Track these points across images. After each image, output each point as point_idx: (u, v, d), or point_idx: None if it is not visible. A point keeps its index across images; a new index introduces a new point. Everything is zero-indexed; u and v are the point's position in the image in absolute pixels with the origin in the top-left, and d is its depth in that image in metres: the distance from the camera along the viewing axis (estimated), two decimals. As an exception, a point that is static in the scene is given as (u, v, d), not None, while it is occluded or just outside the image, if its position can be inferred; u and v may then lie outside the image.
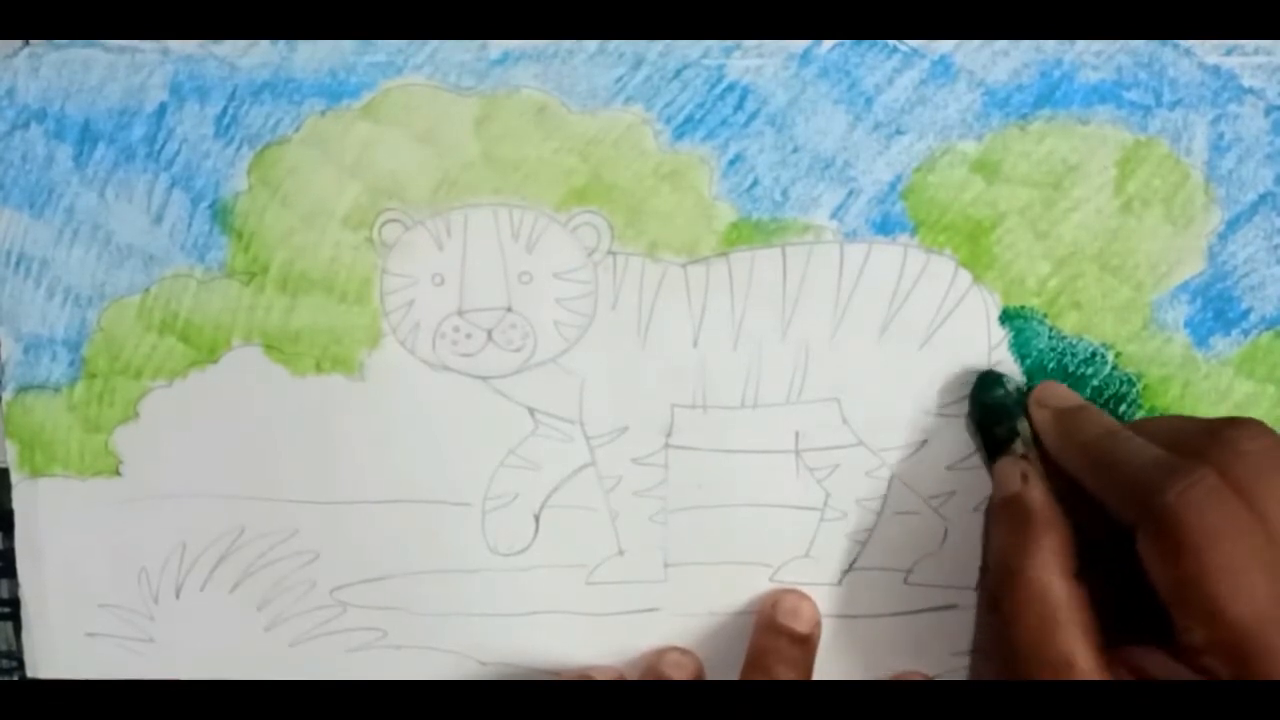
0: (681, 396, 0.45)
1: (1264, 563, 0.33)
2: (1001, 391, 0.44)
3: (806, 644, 0.45)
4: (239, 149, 0.43)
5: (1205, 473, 0.34)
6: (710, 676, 0.46)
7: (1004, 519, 0.39)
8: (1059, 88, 0.43)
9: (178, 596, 0.47)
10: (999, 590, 0.37)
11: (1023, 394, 0.44)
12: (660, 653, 0.46)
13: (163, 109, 0.43)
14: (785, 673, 0.43)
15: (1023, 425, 0.42)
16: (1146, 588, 0.35)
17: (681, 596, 0.47)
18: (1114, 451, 0.38)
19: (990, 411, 0.44)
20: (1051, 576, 0.36)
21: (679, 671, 0.45)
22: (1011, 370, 0.45)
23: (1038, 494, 0.39)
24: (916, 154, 0.44)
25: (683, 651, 0.46)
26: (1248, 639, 0.32)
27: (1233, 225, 0.44)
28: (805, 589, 0.46)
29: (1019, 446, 0.42)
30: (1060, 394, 0.43)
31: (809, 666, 0.45)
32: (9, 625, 0.48)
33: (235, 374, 0.45)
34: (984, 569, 0.44)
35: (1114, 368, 0.45)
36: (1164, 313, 0.45)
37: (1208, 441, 0.36)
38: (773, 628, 0.45)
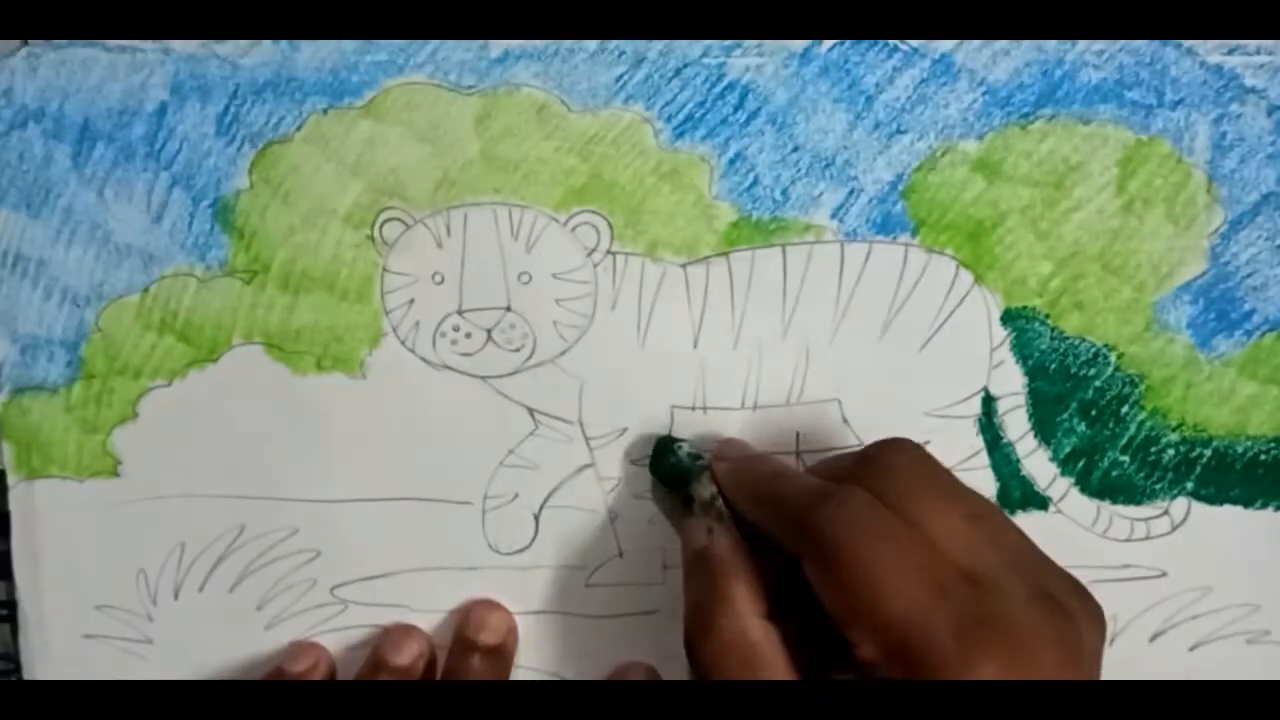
0: (681, 397, 0.45)
1: (915, 565, 0.33)
2: (674, 459, 0.44)
3: (498, 654, 0.45)
4: (240, 148, 0.43)
5: (853, 491, 0.35)
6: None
7: (694, 573, 0.40)
8: (1060, 87, 0.43)
9: (176, 597, 0.47)
10: (696, 641, 0.37)
11: (698, 456, 0.44)
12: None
13: (163, 108, 0.43)
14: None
15: (706, 483, 0.42)
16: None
17: (680, 599, 0.46)
18: (778, 489, 0.39)
19: (670, 479, 0.44)
20: (745, 621, 0.37)
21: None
22: (1013, 371, 0.45)
23: (723, 545, 0.39)
24: (917, 153, 0.44)
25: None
26: (909, 638, 0.32)
27: (1235, 225, 0.44)
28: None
29: (699, 505, 0.42)
30: (738, 447, 0.44)
31: (505, 673, 0.46)
32: (6, 628, 0.48)
33: (235, 373, 0.45)
34: None
35: (1116, 369, 0.45)
36: (1166, 313, 0.44)
37: (859, 464, 0.37)
38: (462, 643, 0.45)
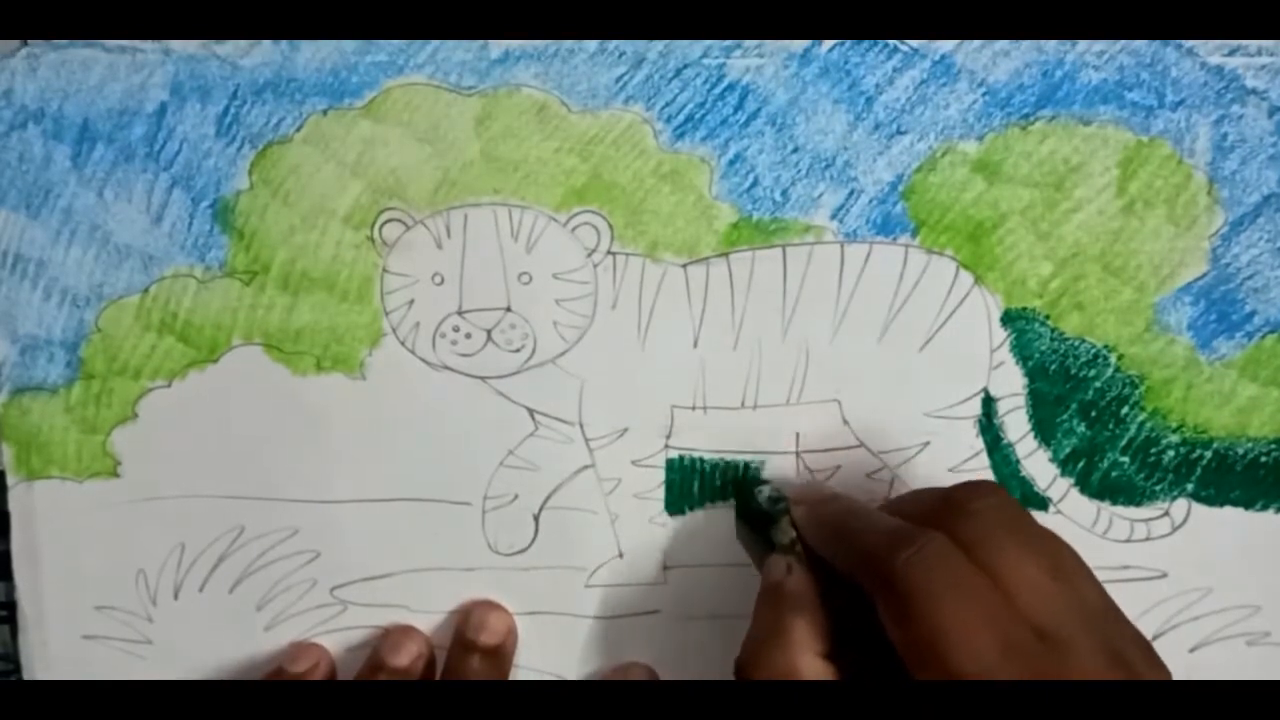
0: (681, 398, 0.45)
1: (990, 618, 0.33)
2: (754, 504, 0.44)
3: (498, 654, 0.45)
4: (240, 148, 0.43)
5: (933, 536, 0.35)
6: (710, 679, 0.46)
7: (763, 605, 0.39)
8: (1061, 88, 0.43)
9: (176, 597, 0.47)
10: (745, 669, 0.37)
11: (779, 499, 0.43)
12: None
13: (163, 109, 0.43)
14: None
15: (786, 525, 0.42)
16: None
17: (681, 599, 0.47)
18: (854, 528, 0.38)
19: (754, 517, 0.44)
20: (798, 657, 0.36)
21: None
22: (1013, 371, 0.45)
23: (797, 582, 0.39)
24: (917, 154, 0.43)
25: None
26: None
27: (1236, 227, 0.44)
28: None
29: (779, 548, 0.41)
30: (816, 490, 0.44)
31: (504, 674, 0.46)
32: (5, 628, 0.48)
33: (235, 374, 0.45)
34: None
35: (1116, 369, 0.45)
36: (1167, 315, 0.44)
37: (940, 506, 0.37)
38: (462, 643, 0.45)
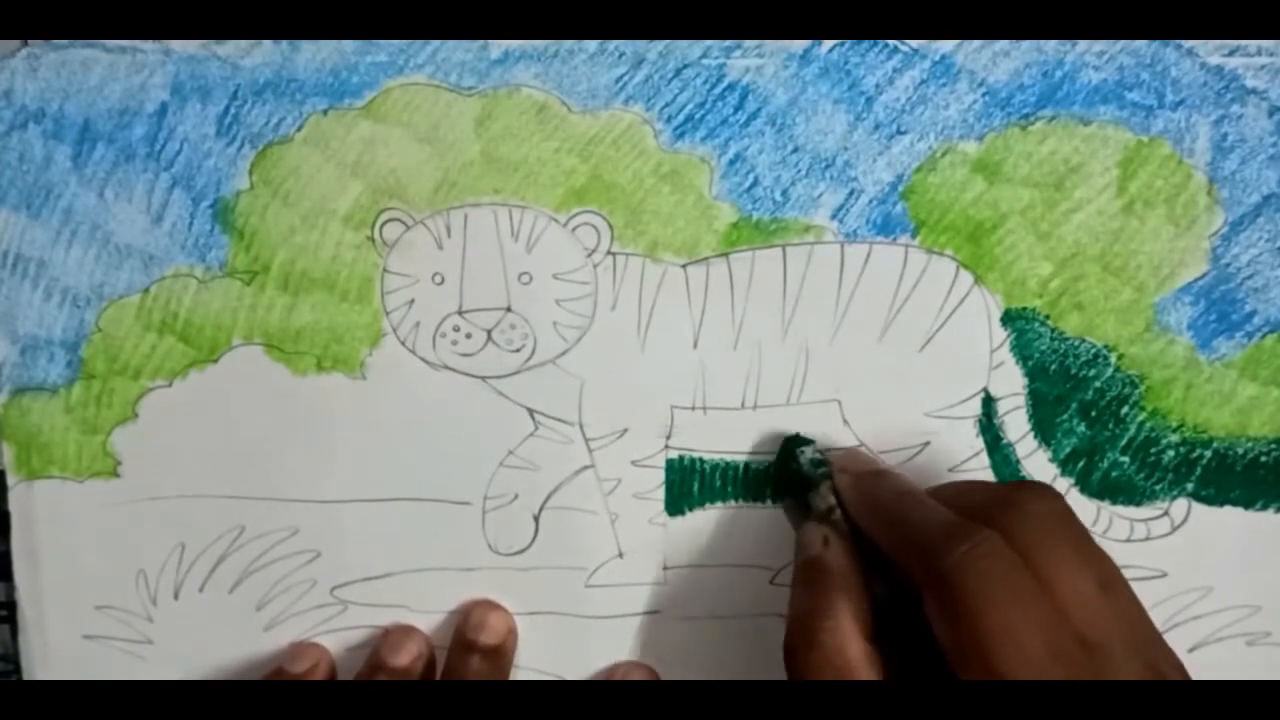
0: (681, 398, 0.45)
1: (1040, 624, 0.33)
2: (795, 465, 0.43)
3: (498, 654, 0.45)
4: (241, 148, 0.43)
5: (988, 535, 0.35)
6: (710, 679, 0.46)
7: (803, 580, 0.39)
8: (1061, 88, 0.43)
9: (176, 598, 0.47)
10: (798, 651, 0.37)
11: (823, 461, 0.43)
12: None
13: (164, 109, 0.43)
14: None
15: (826, 491, 0.42)
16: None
17: (681, 600, 0.47)
18: (906, 513, 0.38)
19: (790, 484, 0.44)
20: (846, 640, 0.36)
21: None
22: (1013, 371, 0.45)
23: (837, 557, 0.39)
24: (917, 154, 0.44)
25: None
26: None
27: (1236, 227, 0.44)
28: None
29: (815, 515, 0.41)
30: (861, 459, 0.44)
31: (504, 674, 0.46)
32: (5, 628, 0.48)
33: (235, 374, 0.45)
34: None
35: (1116, 369, 0.45)
36: (1167, 315, 0.44)
37: (996, 505, 0.36)
38: (462, 643, 0.45)
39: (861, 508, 0.40)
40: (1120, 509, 0.46)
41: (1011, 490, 0.38)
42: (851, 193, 0.44)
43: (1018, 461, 0.46)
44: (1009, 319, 0.45)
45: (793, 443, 0.45)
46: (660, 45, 0.43)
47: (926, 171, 0.44)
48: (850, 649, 0.36)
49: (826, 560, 0.39)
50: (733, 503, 0.46)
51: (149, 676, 0.47)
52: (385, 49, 0.43)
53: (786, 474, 0.44)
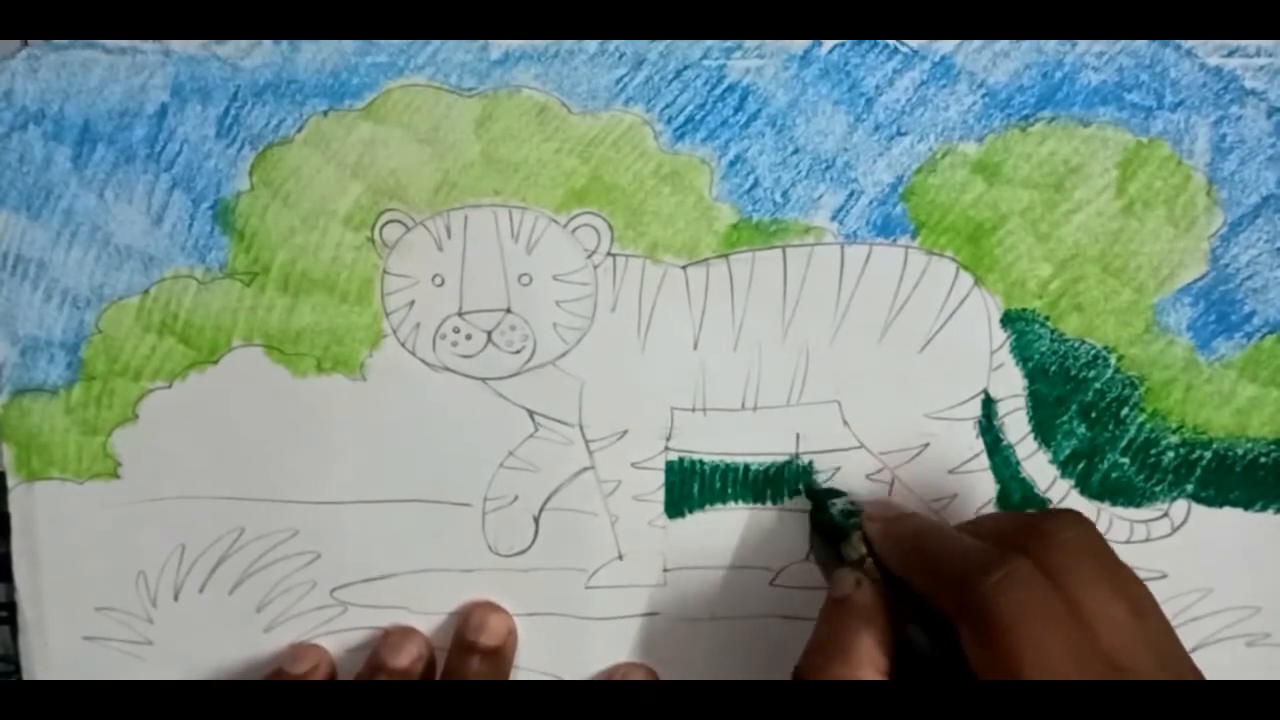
0: (681, 399, 0.45)
1: (1072, 649, 0.33)
2: (826, 516, 0.44)
3: (498, 655, 0.45)
4: (241, 149, 0.43)
5: (1020, 563, 0.35)
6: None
7: (827, 617, 0.39)
8: (1060, 89, 0.43)
9: (176, 599, 0.46)
10: (809, 678, 0.37)
11: (854, 511, 0.43)
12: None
13: (164, 110, 0.43)
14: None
15: (858, 540, 0.41)
16: None
17: (681, 601, 0.47)
18: (937, 548, 0.38)
19: (825, 531, 0.44)
20: (861, 671, 0.37)
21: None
22: (1013, 373, 0.45)
23: (866, 598, 0.39)
24: (917, 155, 0.44)
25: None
26: None
27: (1235, 228, 0.44)
28: (807, 593, 0.46)
29: (849, 564, 0.41)
30: (891, 506, 0.43)
31: (504, 675, 0.46)
32: (5, 630, 0.48)
33: (235, 375, 0.45)
34: None
35: (1116, 370, 0.45)
36: (1166, 315, 0.44)
37: (1025, 532, 0.37)
38: (462, 644, 0.45)
39: (893, 549, 0.40)
40: (1120, 510, 0.46)
41: (1042, 518, 0.38)
42: (851, 194, 0.44)
43: (1018, 463, 0.46)
44: (1009, 320, 0.45)
45: (824, 495, 0.45)
46: (660, 46, 0.43)
47: (926, 173, 0.44)
48: (862, 676, 0.36)
49: (853, 600, 0.39)
50: (733, 504, 0.46)
51: (149, 677, 0.47)
52: (385, 50, 0.43)
53: (818, 525, 0.44)
